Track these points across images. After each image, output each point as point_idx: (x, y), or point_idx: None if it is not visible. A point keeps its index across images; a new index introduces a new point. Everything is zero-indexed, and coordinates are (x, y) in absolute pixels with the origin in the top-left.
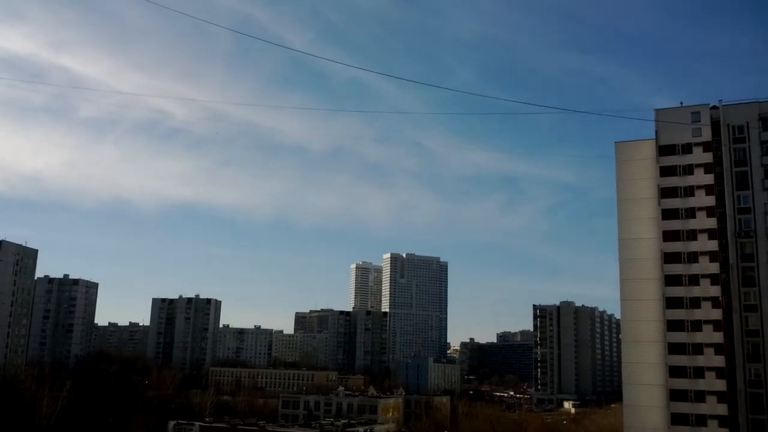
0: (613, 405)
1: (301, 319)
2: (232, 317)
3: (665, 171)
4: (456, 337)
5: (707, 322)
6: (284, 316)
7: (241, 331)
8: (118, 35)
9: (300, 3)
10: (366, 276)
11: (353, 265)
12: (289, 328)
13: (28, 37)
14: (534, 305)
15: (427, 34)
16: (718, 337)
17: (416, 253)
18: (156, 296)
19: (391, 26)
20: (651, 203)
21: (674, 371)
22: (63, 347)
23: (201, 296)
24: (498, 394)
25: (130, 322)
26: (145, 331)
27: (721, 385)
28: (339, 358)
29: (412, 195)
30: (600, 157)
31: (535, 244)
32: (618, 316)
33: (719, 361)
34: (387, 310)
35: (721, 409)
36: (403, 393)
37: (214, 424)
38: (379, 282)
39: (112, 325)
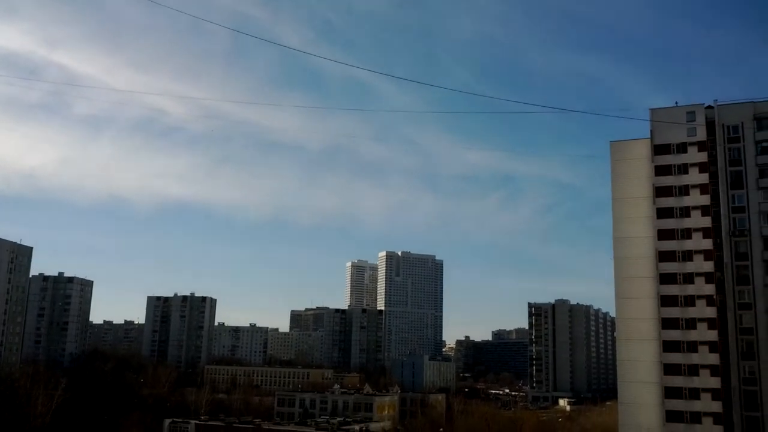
0: (608, 402)
1: (296, 317)
2: (227, 315)
3: (660, 170)
4: (451, 335)
5: (702, 320)
6: (280, 314)
7: (236, 329)
8: (114, 33)
9: (298, 2)
10: (362, 274)
11: (349, 263)
12: (284, 326)
13: (24, 34)
14: (529, 303)
15: (425, 33)
16: (712, 335)
17: (412, 252)
18: (151, 294)
19: (389, 25)
20: (646, 202)
21: (669, 369)
22: (58, 345)
23: (196, 294)
24: (493, 391)
25: (125, 320)
26: (140, 329)
27: (715, 382)
28: (334, 356)
29: (408, 193)
30: (596, 156)
31: (531, 243)
32: (613, 314)
33: (713, 358)
34: (382, 308)
35: (716, 407)
36: (399, 391)
37: (209, 423)
38: (374, 280)
39: (107, 323)
